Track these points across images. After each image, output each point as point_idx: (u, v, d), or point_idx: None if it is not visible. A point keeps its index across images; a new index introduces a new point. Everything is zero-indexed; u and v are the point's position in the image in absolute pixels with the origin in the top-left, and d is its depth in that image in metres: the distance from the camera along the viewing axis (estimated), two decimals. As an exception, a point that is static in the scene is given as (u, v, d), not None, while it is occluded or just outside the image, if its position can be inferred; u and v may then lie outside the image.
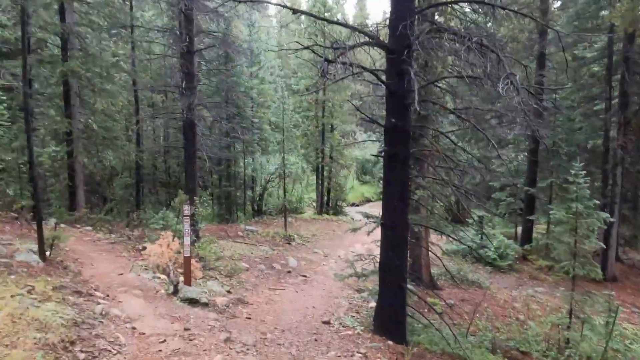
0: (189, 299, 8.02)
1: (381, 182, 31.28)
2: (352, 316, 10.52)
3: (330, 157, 26.62)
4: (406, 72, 6.48)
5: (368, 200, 43.38)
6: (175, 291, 8.29)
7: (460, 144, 9.77)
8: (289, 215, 20.82)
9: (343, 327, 8.85)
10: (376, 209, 36.86)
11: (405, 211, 7.06)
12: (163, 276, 9.55)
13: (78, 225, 15.34)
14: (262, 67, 26.00)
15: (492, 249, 17.43)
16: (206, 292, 9.88)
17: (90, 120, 18.30)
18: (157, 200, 22.28)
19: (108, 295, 7.65)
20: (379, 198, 42.55)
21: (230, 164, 23.33)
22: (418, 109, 5.49)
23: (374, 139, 45.70)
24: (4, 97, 18.47)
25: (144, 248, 11.88)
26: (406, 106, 6.80)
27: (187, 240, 8.50)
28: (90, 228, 15.19)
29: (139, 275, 9.44)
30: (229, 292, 11.05)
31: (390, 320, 7.13)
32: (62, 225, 15.20)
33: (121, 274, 9.39)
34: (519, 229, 21.61)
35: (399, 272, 7.11)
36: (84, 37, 17.74)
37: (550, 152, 18.79)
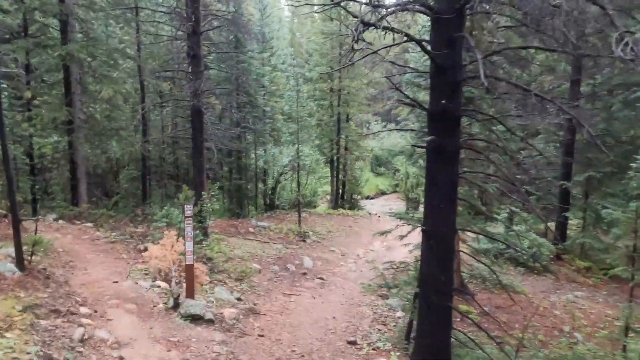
0: (191, 316, 6.81)
1: (397, 174, 29.64)
2: (379, 330, 9.26)
3: (346, 148, 25.25)
4: (458, 40, 5.15)
5: (383, 193, 41.99)
6: (176, 305, 7.09)
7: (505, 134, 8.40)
8: (302, 210, 19.56)
9: (373, 349, 7.59)
10: (391, 202, 35.63)
11: (453, 215, 5.74)
12: (164, 284, 8.36)
13: (78, 222, 14.25)
14: (274, 53, 24.64)
15: (525, 248, 15.99)
16: (213, 302, 8.68)
17: (91, 109, 17.16)
18: (165, 194, 21.16)
19: (95, 312, 6.46)
20: (394, 190, 41.18)
21: (240, 156, 22.10)
22: (486, 83, 4.16)
23: (392, 127, 44.05)
24: (4, 85, 17.46)
25: (145, 249, 10.73)
26: (457, 84, 5.44)
27: (189, 246, 7.27)
28: (91, 224, 14.09)
29: (137, 283, 8.26)
30: (239, 299, 9.85)
31: (432, 348, 5.87)
32: (61, 221, 14.15)
33: (116, 282, 8.22)
34: (550, 226, 20.12)
35: (444, 289, 5.81)
36: (85, 19, 16.53)
37: (589, 144, 17.20)
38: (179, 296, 7.08)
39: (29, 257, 6.95)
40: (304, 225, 18.69)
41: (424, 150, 10.56)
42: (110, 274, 8.86)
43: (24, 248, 6.88)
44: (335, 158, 25.43)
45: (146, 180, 19.25)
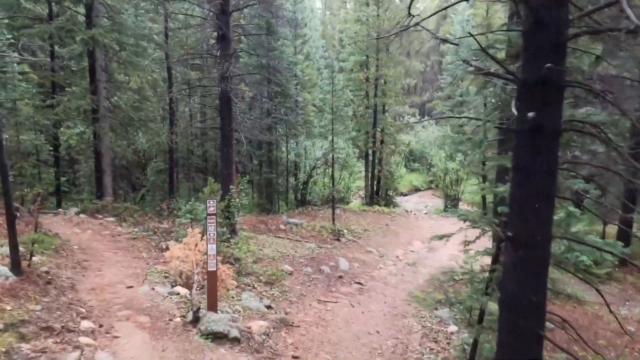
0: (212, 333, 5.67)
1: (433, 168, 27.80)
2: (431, 348, 7.93)
3: (382, 142, 23.82)
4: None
5: (417, 190, 40.32)
6: (196, 319, 5.97)
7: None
8: (335, 206, 18.29)
9: (432, 380, 6.27)
10: (426, 199, 33.89)
11: (550, 217, 4.37)
12: (184, 291, 7.27)
13: (100, 216, 13.45)
14: (306, 41, 23.39)
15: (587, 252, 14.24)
16: (239, 312, 7.55)
17: (117, 98, 16.39)
18: (193, 187, 20.30)
19: (100, 327, 5.41)
20: (429, 187, 39.39)
21: (271, 148, 21.02)
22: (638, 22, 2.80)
23: (432, 122, 42.07)
24: (33, 75, 16.91)
25: (167, 248, 9.72)
26: (562, 45, 4.06)
27: (211, 249, 6.14)
28: (113, 219, 13.27)
29: (153, 289, 7.20)
30: (268, 307, 8.70)
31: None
32: (82, 215, 13.38)
33: (131, 287, 7.19)
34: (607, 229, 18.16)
35: (536, 313, 4.45)
36: (111, 4, 15.70)
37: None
38: (199, 309, 5.96)
39: (28, 259, 5.96)
40: (337, 222, 17.45)
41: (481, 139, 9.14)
42: (125, 276, 7.86)
43: (22, 249, 5.90)
44: (370, 152, 24.04)
45: (173, 173, 18.40)
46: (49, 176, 15.43)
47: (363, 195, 26.73)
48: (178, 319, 6.06)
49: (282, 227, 16.72)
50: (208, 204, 6.12)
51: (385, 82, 23.16)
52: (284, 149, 21.43)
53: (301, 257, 13.25)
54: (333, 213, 17.40)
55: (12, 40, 15.94)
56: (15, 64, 15.17)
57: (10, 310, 4.74)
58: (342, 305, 9.99)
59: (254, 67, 19.08)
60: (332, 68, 16.72)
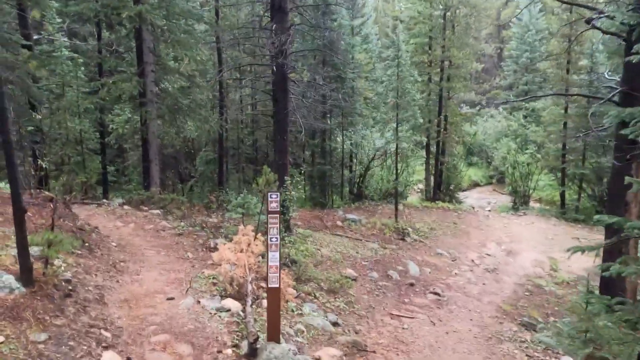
0: (274, 375, 4.16)
1: (494, 162, 25.22)
2: (549, 392, 6.09)
3: (445, 129, 21.69)
4: None
5: (476, 185, 37.58)
6: (252, 352, 4.47)
7: None
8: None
9: None
10: (487, 194, 31.23)
11: None
12: (236, 305, 5.83)
13: (145, 208, 12.38)
14: (365, 21, 21.56)
15: None
16: (302, 332, 6.03)
17: (165, 84, 15.31)
18: (243, 179, 19.09)
19: (127, 361, 3.99)
20: (488, 182, 36.57)
21: (325, 137, 19.44)
22: None
23: (498, 112, 39.15)
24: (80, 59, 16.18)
25: (216, 247, 8.38)
26: None
27: (273, 258, 4.60)
28: (159, 212, 12.16)
29: (199, 302, 5.81)
30: (335, 324, 7.14)
31: None
32: (127, 207, 12.34)
33: (171, 299, 5.82)
34: None
35: None
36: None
37: None
38: (257, 339, 4.45)
39: (45, 265, 4.66)
40: (400, 220, 15.66)
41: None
42: (167, 283, 6.54)
43: (36, 251, 4.61)
44: (435, 142, 21.96)
45: (223, 163, 17.23)
46: (95, 164, 14.59)
47: (421, 190, 24.70)
48: (229, 350, 4.58)
49: (339, 223, 15.15)
50: (269, 198, 4.59)
51: (451, 65, 20.98)
52: (339, 138, 19.81)
53: (364, 259, 11.63)
54: (396, 209, 15.62)
55: (62, 26, 15.27)
56: (64, 49, 14.39)
57: (2, 343, 3.43)
58: (420, 322, 8.29)
59: (309, 49, 17.52)
60: (397, 47, 14.85)
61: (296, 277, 8.44)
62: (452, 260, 12.99)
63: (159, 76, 14.36)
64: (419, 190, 25.30)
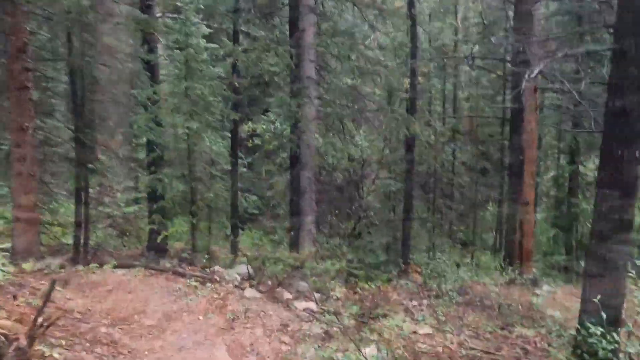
0: None
1: None
2: None
3: None
4: None
5: None
6: None
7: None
8: None
9: None
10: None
11: None
12: None
13: (289, 295, 6.53)
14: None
15: None
16: None
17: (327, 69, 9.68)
18: (433, 226, 12.27)
19: None
20: None
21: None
22: None
23: None
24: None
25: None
26: None
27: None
28: (314, 306, 6.21)
29: None
30: None
31: None
32: (249, 292, 6.64)
33: None
34: None
35: None
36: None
37: None
38: None
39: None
40: None
41: None
42: None
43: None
44: None
45: (409, 198, 10.70)
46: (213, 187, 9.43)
47: None
48: None
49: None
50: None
51: None
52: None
53: None
54: None
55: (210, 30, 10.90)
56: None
57: None
58: None
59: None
60: None
61: None
62: None
63: (321, 53, 8.72)
64: None
